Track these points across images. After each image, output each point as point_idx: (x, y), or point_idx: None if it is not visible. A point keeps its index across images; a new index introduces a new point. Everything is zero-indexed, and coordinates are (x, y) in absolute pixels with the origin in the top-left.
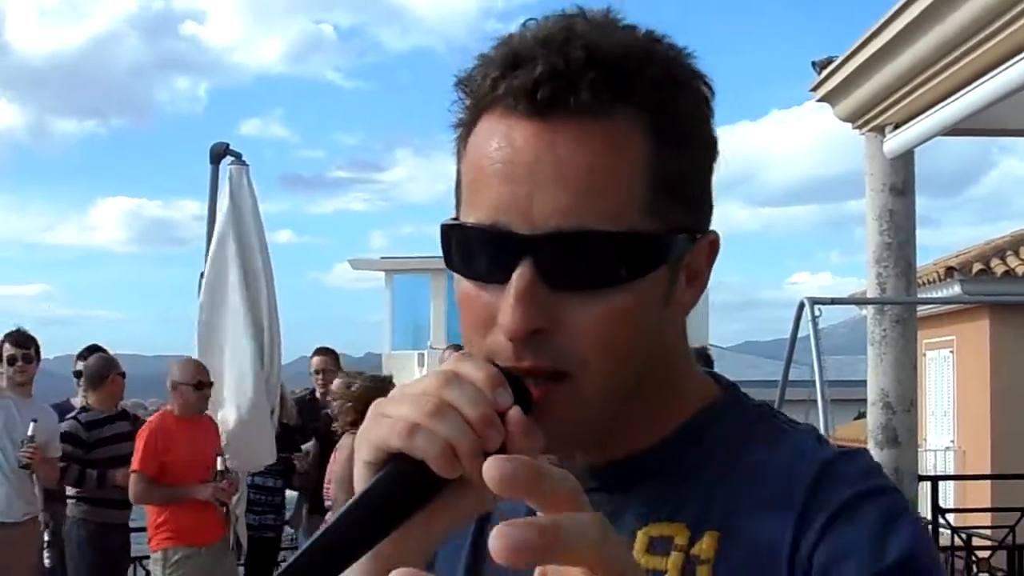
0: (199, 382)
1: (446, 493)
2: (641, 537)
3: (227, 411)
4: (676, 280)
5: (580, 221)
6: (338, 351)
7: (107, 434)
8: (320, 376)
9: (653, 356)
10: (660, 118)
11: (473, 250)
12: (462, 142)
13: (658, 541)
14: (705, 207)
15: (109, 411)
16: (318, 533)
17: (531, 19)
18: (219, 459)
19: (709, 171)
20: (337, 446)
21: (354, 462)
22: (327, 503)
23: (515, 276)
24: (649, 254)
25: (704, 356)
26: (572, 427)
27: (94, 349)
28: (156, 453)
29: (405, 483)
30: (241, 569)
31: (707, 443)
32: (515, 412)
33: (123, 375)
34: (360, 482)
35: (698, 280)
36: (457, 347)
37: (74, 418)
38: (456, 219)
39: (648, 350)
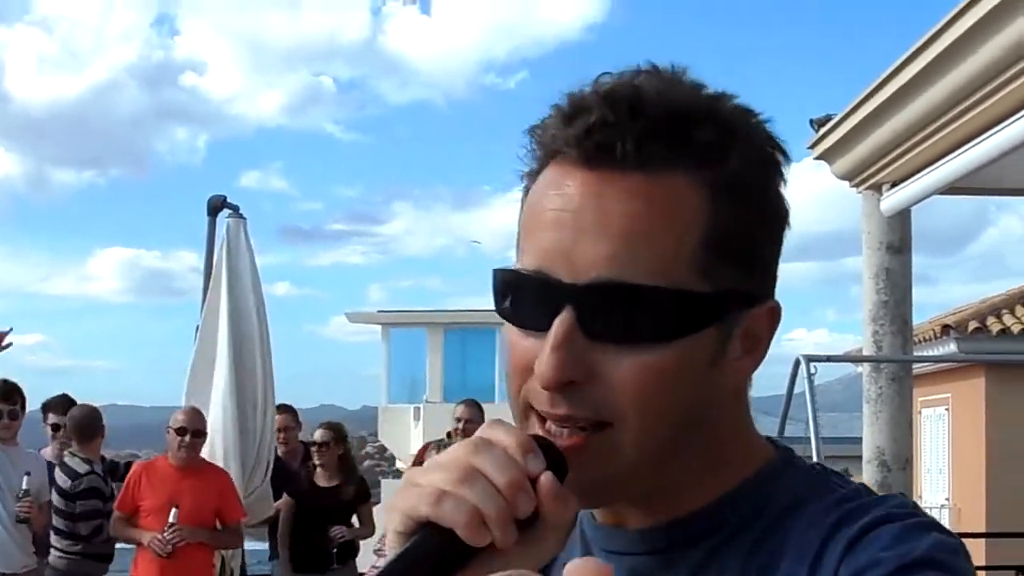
0: (182, 428)
1: (477, 561)
2: None
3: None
4: (728, 343)
5: (621, 273)
6: (335, 403)
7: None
8: (282, 434)
9: (697, 416)
10: (715, 176)
11: (519, 296)
12: (526, 192)
13: None
14: (766, 273)
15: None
16: None
17: (605, 73)
18: (172, 511)
19: (774, 237)
20: None
21: (387, 534)
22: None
23: (555, 324)
24: (695, 313)
25: None
26: (608, 479)
27: (64, 399)
28: (131, 494)
29: (434, 551)
30: None
31: (756, 505)
32: (547, 478)
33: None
34: (391, 552)
35: (758, 347)
36: (473, 402)
37: (94, 472)
38: (504, 267)
39: (690, 410)
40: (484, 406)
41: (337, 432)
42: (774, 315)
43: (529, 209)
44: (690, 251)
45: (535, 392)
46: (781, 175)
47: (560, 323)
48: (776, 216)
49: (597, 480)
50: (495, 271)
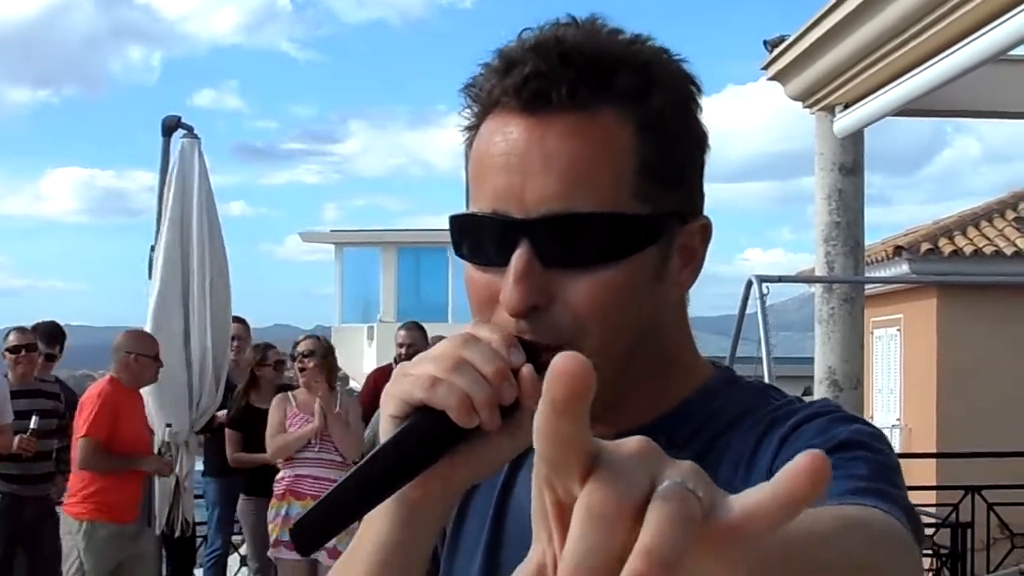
0: (156, 355)
1: (466, 443)
2: None
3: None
4: (668, 260)
5: (569, 205)
6: (289, 323)
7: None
8: (235, 343)
9: (648, 329)
10: (640, 112)
11: (477, 237)
12: (469, 144)
13: None
14: (695, 193)
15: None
16: (343, 478)
17: (527, 29)
18: (166, 430)
19: (698, 161)
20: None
21: (380, 419)
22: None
23: (514, 257)
24: (637, 234)
25: None
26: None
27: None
28: (108, 419)
29: (428, 431)
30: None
31: (699, 420)
32: (527, 369)
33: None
34: (385, 435)
35: (693, 261)
36: (415, 324)
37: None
38: (459, 212)
39: (641, 321)
40: (437, 326)
41: (244, 324)
42: (706, 230)
43: (476, 158)
44: (626, 180)
45: (503, 322)
46: (698, 105)
47: (519, 256)
48: (697, 142)
49: None
50: (451, 218)
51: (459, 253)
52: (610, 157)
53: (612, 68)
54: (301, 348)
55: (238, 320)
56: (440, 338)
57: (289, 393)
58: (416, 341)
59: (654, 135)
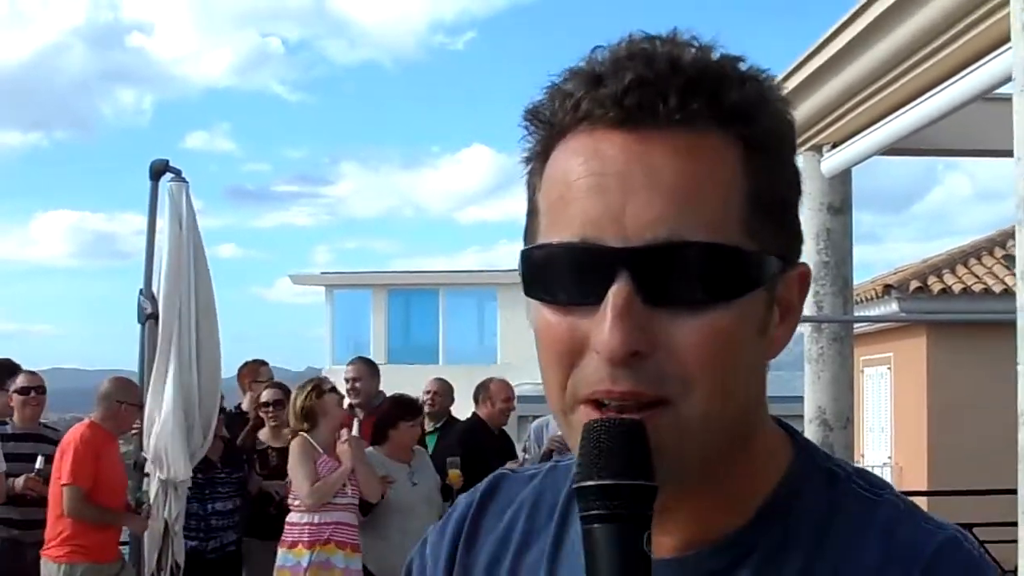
0: (141, 403)
1: None
2: None
3: (164, 427)
4: (772, 310)
5: (678, 231)
6: (279, 365)
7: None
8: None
9: (751, 395)
10: (752, 133)
11: (558, 271)
12: (536, 174)
13: None
14: (796, 235)
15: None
16: None
17: (599, 46)
18: (145, 479)
19: (797, 199)
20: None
21: None
22: (292, 501)
23: (611, 293)
24: (749, 272)
25: None
26: (673, 462)
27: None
28: (92, 465)
29: None
30: None
31: (792, 522)
32: None
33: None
34: None
35: (791, 315)
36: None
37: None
38: (533, 245)
39: (748, 384)
40: (427, 368)
41: (285, 389)
42: (805, 280)
43: (553, 185)
44: (737, 209)
45: (587, 376)
46: (795, 137)
47: (619, 290)
48: (798, 175)
49: (662, 464)
50: (525, 251)
51: (531, 293)
52: (720, 181)
53: (722, 82)
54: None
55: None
56: (439, 381)
57: (307, 436)
58: (362, 375)
59: (761, 161)
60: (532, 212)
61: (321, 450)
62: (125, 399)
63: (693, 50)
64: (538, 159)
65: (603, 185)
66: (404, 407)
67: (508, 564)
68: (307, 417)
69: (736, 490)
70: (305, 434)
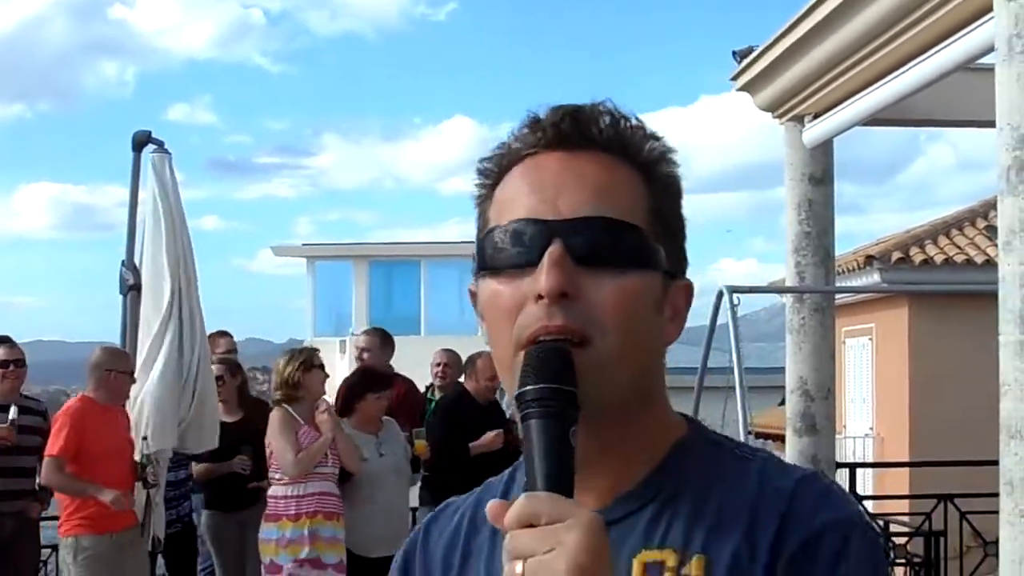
0: (132, 371)
1: None
2: (636, 565)
3: (147, 398)
4: (664, 302)
5: (599, 211)
6: (261, 337)
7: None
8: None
9: (650, 357)
10: (655, 175)
11: (507, 244)
12: (486, 200)
13: (651, 566)
14: (684, 257)
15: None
16: None
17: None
18: (144, 442)
19: (684, 232)
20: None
21: None
22: (274, 474)
23: (548, 251)
24: (650, 254)
25: None
26: (592, 388)
27: None
28: (74, 439)
29: None
30: (161, 560)
31: (684, 476)
32: None
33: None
34: None
35: (677, 318)
36: (375, 330)
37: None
38: (480, 236)
39: (647, 343)
40: (409, 338)
41: (230, 364)
42: (689, 292)
43: (504, 195)
44: (642, 212)
45: (528, 319)
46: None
47: (554, 248)
48: (684, 221)
49: (585, 394)
50: (481, 238)
51: (483, 269)
52: (630, 191)
53: (631, 132)
54: (305, 357)
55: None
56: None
57: (288, 408)
58: (371, 346)
59: (660, 193)
60: (481, 226)
61: (301, 421)
62: (115, 367)
63: (610, 108)
64: (488, 191)
65: (542, 184)
66: (371, 379)
67: (460, 552)
68: (291, 387)
69: (641, 447)
70: (287, 405)
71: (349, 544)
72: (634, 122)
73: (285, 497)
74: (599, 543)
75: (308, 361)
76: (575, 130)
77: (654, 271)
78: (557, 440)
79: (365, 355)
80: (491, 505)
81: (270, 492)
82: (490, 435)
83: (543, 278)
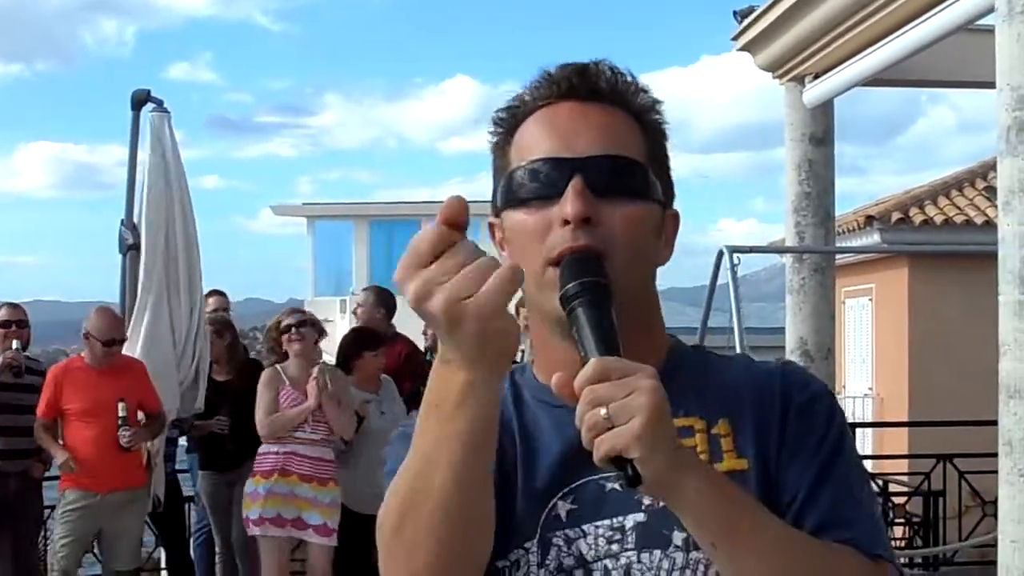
0: (110, 339)
1: None
2: None
3: (145, 359)
4: (661, 228)
5: (609, 150)
6: (262, 297)
7: None
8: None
9: (651, 270)
10: (648, 121)
11: (532, 179)
12: (504, 143)
13: (682, 430)
14: (672, 190)
15: None
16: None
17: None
18: (120, 405)
19: (671, 174)
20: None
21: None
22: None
23: (572, 184)
24: (650, 186)
25: None
26: (618, 301)
27: None
28: (52, 400)
29: None
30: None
31: (686, 369)
32: None
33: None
34: None
35: (669, 243)
36: (381, 288)
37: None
38: (506, 174)
39: (649, 259)
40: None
41: (217, 324)
42: (677, 220)
43: (526, 137)
44: (642, 153)
45: (555, 240)
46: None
47: (576, 181)
48: (669, 154)
49: None
50: (509, 172)
51: (506, 204)
52: (632, 135)
53: (628, 86)
54: (291, 319)
55: (217, 293)
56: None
57: (278, 367)
58: (364, 303)
59: (652, 137)
60: (498, 172)
61: (287, 381)
62: (92, 333)
63: (611, 66)
64: (507, 134)
65: (560, 128)
66: (366, 338)
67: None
68: (275, 349)
69: (650, 343)
70: (277, 365)
71: (347, 499)
72: (629, 78)
73: (264, 453)
74: (662, 389)
75: (278, 324)
76: (584, 84)
77: (654, 201)
78: (607, 318)
79: (359, 311)
80: (557, 377)
81: (259, 450)
82: None
83: (568, 206)
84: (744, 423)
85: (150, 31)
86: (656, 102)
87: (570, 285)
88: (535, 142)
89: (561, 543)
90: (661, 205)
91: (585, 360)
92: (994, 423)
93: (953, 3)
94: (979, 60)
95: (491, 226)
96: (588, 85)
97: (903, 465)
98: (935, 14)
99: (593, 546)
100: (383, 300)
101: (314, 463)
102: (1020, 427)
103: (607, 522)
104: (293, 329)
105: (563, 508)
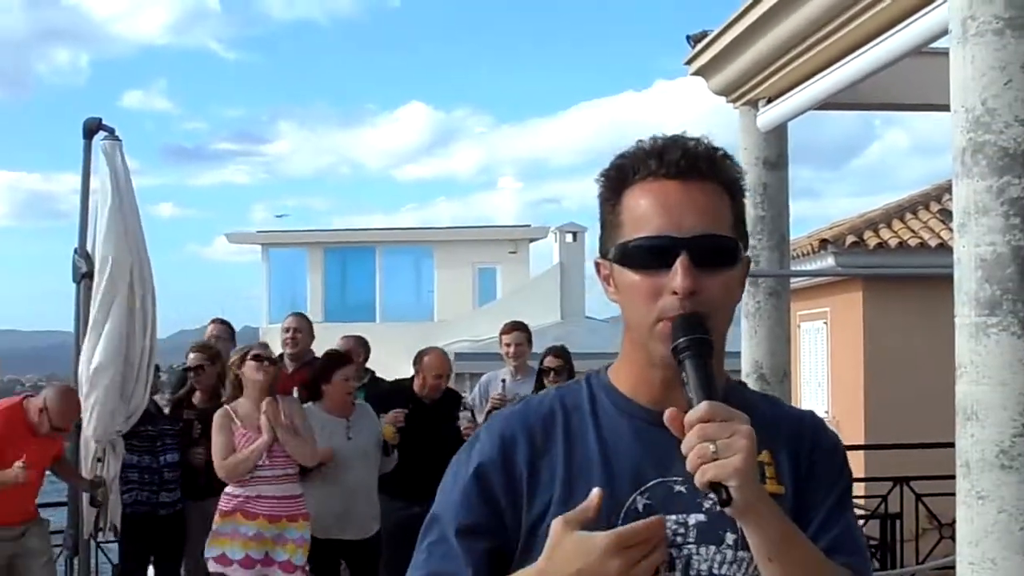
0: (59, 428)
1: None
2: None
3: (98, 384)
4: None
5: (709, 229)
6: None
7: None
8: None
9: (729, 325)
10: (733, 188)
11: (646, 251)
12: (611, 201)
13: None
14: (747, 240)
15: None
16: None
17: (643, 139)
18: (98, 463)
19: (746, 227)
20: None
21: None
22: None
23: (679, 260)
24: (738, 252)
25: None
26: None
27: None
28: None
29: None
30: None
31: (736, 398)
32: None
33: None
34: None
35: (744, 283)
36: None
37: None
38: (627, 239)
39: (735, 309)
40: (364, 325)
41: (209, 352)
42: (749, 263)
43: (635, 207)
44: (730, 222)
45: (666, 306)
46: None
47: (684, 258)
48: (744, 209)
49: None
50: (620, 245)
51: (625, 263)
52: (725, 209)
53: (721, 160)
54: (262, 351)
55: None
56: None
57: (228, 408)
58: (302, 328)
59: (737, 205)
60: (609, 224)
61: (239, 422)
62: (53, 413)
63: (706, 142)
64: (614, 194)
65: (668, 208)
66: (336, 360)
67: (560, 430)
68: (233, 387)
69: (720, 377)
70: (227, 405)
71: (315, 519)
72: (721, 153)
73: (230, 495)
74: (754, 433)
75: (242, 356)
76: (689, 165)
77: (740, 264)
78: (709, 368)
79: (298, 335)
80: (669, 412)
81: (225, 488)
82: (393, 412)
83: (678, 280)
84: (782, 455)
85: (104, 60)
86: (740, 170)
87: (681, 340)
88: (648, 217)
89: None
90: (741, 260)
91: (690, 402)
92: (950, 445)
93: (906, 26)
94: (933, 83)
95: (597, 265)
96: (691, 165)
97: (860, 488)
98: (888, 37)
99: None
100: (311, 326)
101: (280, 502)
102: (977, 449)
103: (674, 517)
104: (265, 362)
105: (640, 502)
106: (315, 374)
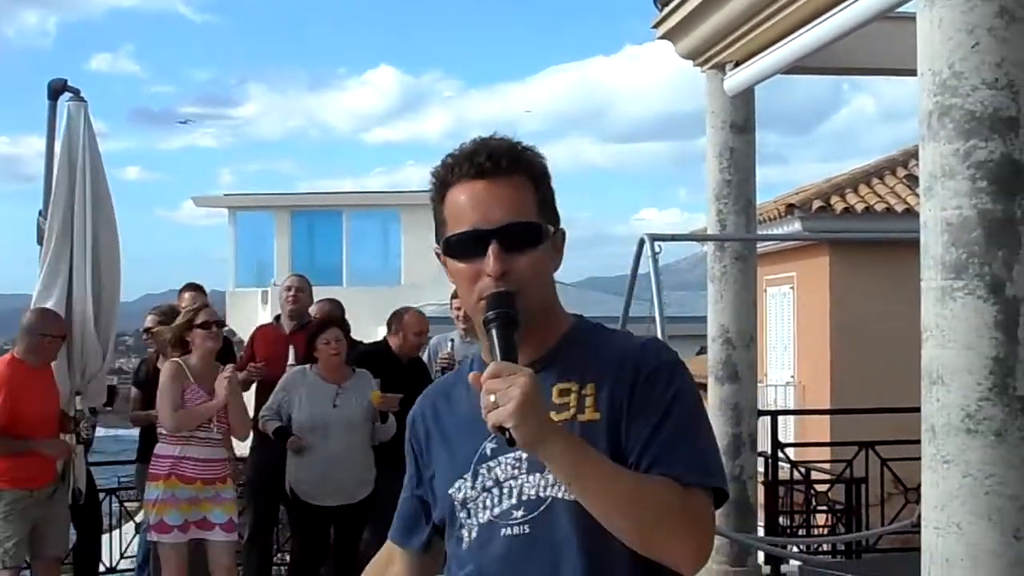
0: (63, 335)
1: None
2: (554, 391)
3: (74, 353)
4: (551, 249)
5: (512, 218)
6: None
7: None
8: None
9: (550, 290)
10: (535, 176)
11: (463, 244)
12: (438, 202)
13: (563, 391)
14: (558, 216)
15: None
16: None
17: (465, 141)
18: (78, 399)
19: (555, 202)
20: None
21: None
22: (159, 429)
23: (491, 248)
24: (542, 234)
25: None
26: (522, 314)
27: None
28: (9, 403)
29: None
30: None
31: (576, 345)
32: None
33: None
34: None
35: (559, 253)
36: (298, 276)
37: None
38: (449, 234)
39: (548, 284)
40: (331, 289)
41: (166, 315)
42: (563, 235)
43: (453, 207)
44: (533, 207)
45: (483, 286)
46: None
47: (494, 246)
48: (554, 192)
49: (520, 314)
50: (446, 239)
51: (450, 254)
52: (527, 197)
53: (520, 155)
54: (209, 317)
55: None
56: (330, 300)
57: (180, 361)
58: (304, 287)
59: (541, 187)
60: (438, 221)
61: (192, 378)
62: (48, 331)
63: (509, 141)
64: (439, 195)
65: (478, 204)
66: (318, 326)
67: (446, 397)
68: (177, 344)
69: (549, 332)
70: (179, 359)
71: (295, 488)
72: (520, 148)
73: (161, 456)
74: (534, 382)
75: (190, 318)
76: (493, 165)
77: (546, 241)
78: (508, 336)
79: (300, 294)
80: (472, 375)
81: (155, 450)
82: (392, 397)
83: (490, 264)
84: (604, 386)
85: (72, 22)
86: (541, 157)
87: (488, 314)
88: (463, 213)
89: (484, 471)
90: (552, 234)
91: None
92: (916, 410)
93: None
94: (901, 47)
95: (437, 254)
96: (494, 164)
97: (825, 453)
98: (856, 1)
99: (504, 471)
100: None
101: (211, 464)
102: (943, 413)
103: (513, 454)
104: (213, 327)
105: (488, 447)
106: (311, 337)
